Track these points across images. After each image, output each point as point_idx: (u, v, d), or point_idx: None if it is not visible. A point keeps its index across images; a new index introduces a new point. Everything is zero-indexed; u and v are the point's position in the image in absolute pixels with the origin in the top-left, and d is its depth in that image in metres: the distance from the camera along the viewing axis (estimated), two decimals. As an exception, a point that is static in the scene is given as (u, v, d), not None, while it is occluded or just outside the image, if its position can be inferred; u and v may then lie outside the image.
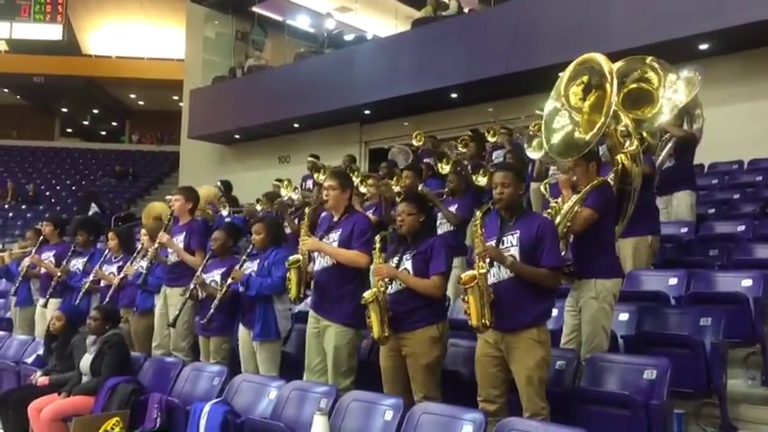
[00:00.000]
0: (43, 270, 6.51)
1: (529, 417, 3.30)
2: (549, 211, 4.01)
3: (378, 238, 3.97)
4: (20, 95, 24.30)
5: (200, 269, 4.96)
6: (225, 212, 8.32)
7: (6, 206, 18.50)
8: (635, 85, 4.61)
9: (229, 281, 4.74)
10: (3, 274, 7.75)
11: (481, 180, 6.42)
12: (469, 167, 6.71)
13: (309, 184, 9.17)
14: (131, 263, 5.70)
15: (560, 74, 4.30)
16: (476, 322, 3.38)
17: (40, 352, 5.66)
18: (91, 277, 5.91)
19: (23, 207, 18.30)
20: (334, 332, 4.14)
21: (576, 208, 3.91)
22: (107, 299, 5.59)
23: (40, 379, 5.02)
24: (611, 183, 4.21)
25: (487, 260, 3.47)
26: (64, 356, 5.16)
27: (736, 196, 7.38)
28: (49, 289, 6.25)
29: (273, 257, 4.71)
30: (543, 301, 3.53)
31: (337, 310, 4.16)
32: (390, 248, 4.03)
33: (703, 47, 8.61)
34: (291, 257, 4.34)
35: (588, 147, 3.94)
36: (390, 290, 3.82)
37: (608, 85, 3.92)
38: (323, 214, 4.72)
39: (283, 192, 7.97)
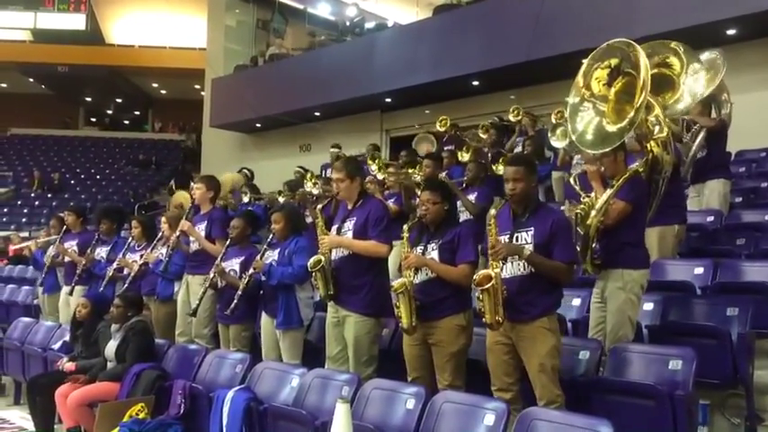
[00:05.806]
0: (67, 258, 6.62)
1: (544, 405, 3.27)
2: (582, 206, 3.92)
3: (405, 227, 3.88)
4: (44, 85, 24.54)
5: (219, 258, 4.98)
6: (246, 200, 8.35)
7: (32, 195, 18.80)
8: (655, 70, 4.47)
9: (251, 271, 4.74)
10: (31, 263, 7.92)
11: (501, 169, 6.37)
12: (490, 156, 6.66)
13: (330, 172, 9.16)
14: (152, 250, 5.77)
15: (583, 61, 4.21)
16: (490, 320, 3.38)
17: (67, 338, 5.75)
18: (114, 265, 5.99)
19: (49, 196, 18.57)
20: (354, 322, 4.11)
21: (610, 201, 3.84)
22: (126, 286, 5.66)
23: (66, 365, 5.09)
24: (642, 172, 4.13)
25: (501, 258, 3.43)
26: (89, 343, 5.23)
27: (764, 184, 7.23)
28: (75, 277, 6.36)
29: (294, 246, 4.70)
30: (554, 293, 3.53)
31: (355, 299, 4.13)
32: (412, 236, 3.95)
33: (730, 32, 8.44)
34: (312, 260, 4.23)
35: (619, 140, 3.87)
36: (417, 279, 3.78)
37: (639, 75, 3.81)
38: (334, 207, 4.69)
39: (308, 186, 7.95)
